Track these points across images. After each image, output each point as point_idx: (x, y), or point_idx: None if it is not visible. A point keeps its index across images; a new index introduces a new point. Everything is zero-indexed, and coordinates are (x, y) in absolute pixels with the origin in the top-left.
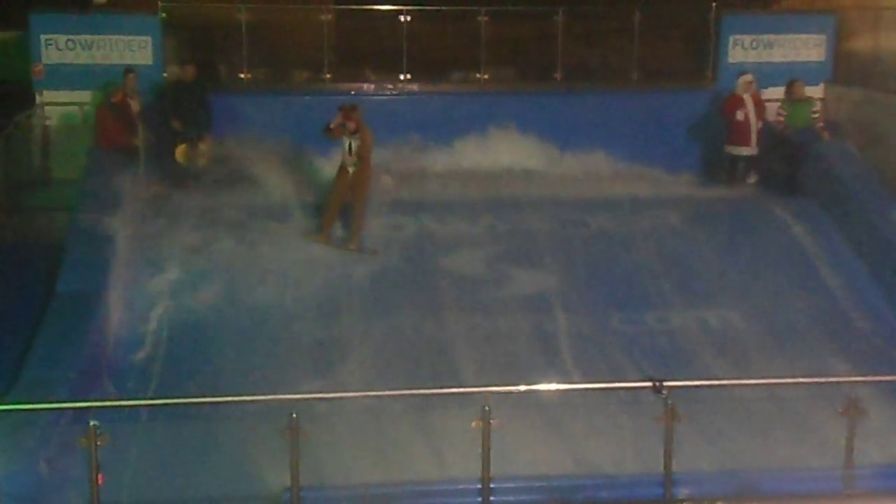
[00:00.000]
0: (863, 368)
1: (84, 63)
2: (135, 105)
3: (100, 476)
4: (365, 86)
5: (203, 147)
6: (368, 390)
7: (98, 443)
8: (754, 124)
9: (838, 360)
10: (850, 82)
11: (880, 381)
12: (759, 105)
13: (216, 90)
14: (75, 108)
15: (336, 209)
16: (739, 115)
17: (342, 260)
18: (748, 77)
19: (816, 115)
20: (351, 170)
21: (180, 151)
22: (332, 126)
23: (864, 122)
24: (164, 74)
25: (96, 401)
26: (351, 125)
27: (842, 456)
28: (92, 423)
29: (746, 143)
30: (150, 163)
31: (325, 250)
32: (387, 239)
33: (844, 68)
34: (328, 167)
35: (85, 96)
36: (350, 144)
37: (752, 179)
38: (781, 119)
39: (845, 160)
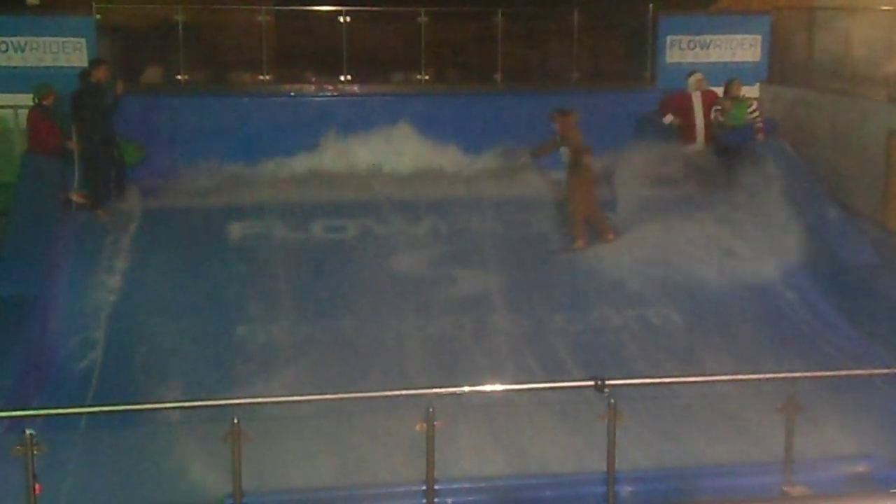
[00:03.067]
0: (801, 364)
1: (17, 65)
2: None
3: (37, 486)
4: (305, 87)
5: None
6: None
7: (35, 452)
8: (701, 123)
9: (777, 356)
10: (785, 82)
11: (816, 377)
12: (710, 102)
13: (147, 92)
14: (8, 111)
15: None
16: (667, 119)
17: None
18: (698, 75)
19: (756, 115)
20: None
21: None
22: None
23: (798, 121)
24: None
25: (32, 409)
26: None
27: (781, 451)
28: (28, 431)
29: (693, 140)
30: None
31: None
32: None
33: (779, 68)
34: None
35: (18, 99)
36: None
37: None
38: (720, 118)
39: (781, 159)
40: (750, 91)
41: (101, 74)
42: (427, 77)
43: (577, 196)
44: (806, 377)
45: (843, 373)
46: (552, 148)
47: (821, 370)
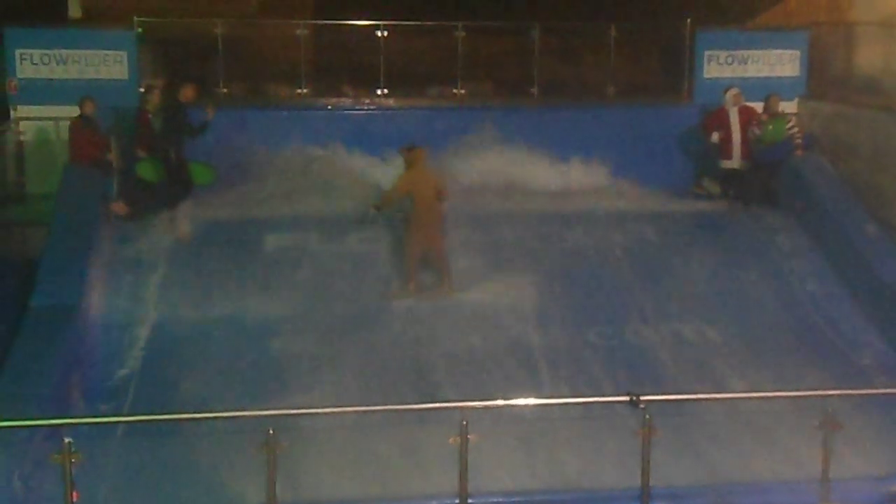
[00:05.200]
0: (837, 381)
1: (59, 78)
2: (156, 122)
3: (75, 493)
4: (342, 101)
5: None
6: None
7: (72, 460)
8: (738, 138)
9: (814, 373)
10: (823, 97)
11: (854, 395)
12: (747, 118)
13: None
14: (50, 122)
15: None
16: (714, 137)
17: None
18: (735, 91)
19: (794, 131)
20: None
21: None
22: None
23: (837, 137)
24: (141, 90)
25: (71, 417)
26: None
27: (818, 468)
28: (66, 439)
29: (729, 156)
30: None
31: None
32: None
33: (818, 83)
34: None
35: (60, 111)
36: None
37: (732, 193)
38: (757, 133)
39: (820, 174)
40: (788, 107)
41: (190, 94)
42: (463, 91)
43: (414, 237)
44: (843, 395)
45: (883, 391)
46: (397, 195)
47: (856, 387)
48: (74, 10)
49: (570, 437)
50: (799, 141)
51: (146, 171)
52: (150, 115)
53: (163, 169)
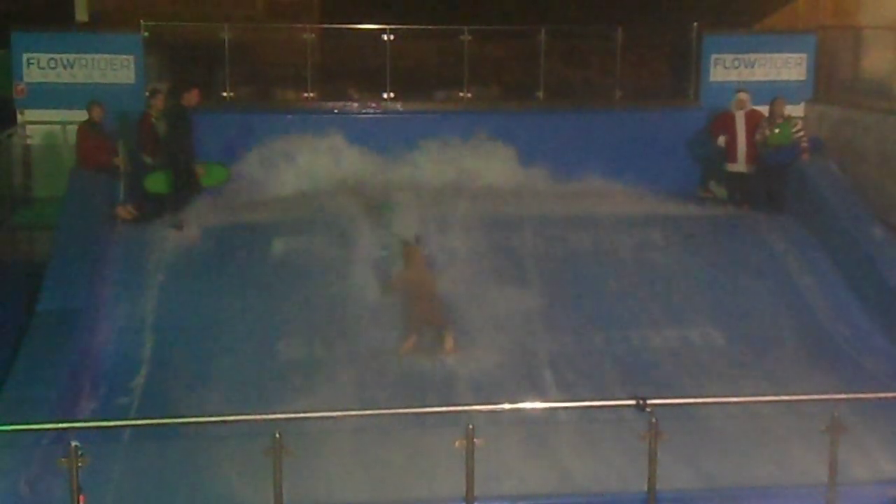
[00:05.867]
0: (844, 385)
1: (66, 82)
2: (160, 126)
3: (81, 497)
4: (348, 104)
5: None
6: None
7: (79, 463)
8: (743, 142)
9: (820, 376)
10: (830, 101)
11: (861, 399)
12: (753, 122)
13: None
14: (57, 126)
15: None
16: (720, 141)
17: None
18: (743, 95)
19: (801, 134)
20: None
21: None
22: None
23: (844, 141)
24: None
25: (78, 421)
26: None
27: (824, 473)
28: (73, 443)
29: (734, 159)
30: (131, 183)
31: None
32: None
33: (825, 87)
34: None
35: (67, 115)
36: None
37: (738, 196)
38: (766, 133)
39: (827, 178)
40: (795, 110)
41: (193, 98)
42: (469, 95)
43: (413, 316)
44: (849, 399)
45: (890, 395)
46: (395, 288)
47: (863, 391)
48: (81, 15)
49: (576, 441)
50: (805, 145)
51: (155, 184)
52: (153, 119)
53: (172, 179)
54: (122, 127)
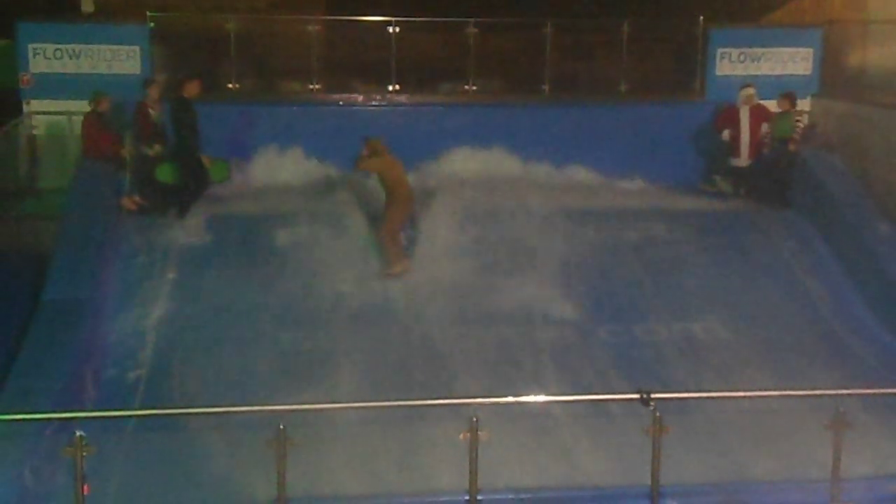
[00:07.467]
0: (848, 380)
1: (72, 72)
2: (155, 115)
3: (85, 486)
4: (353, 97)
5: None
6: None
7: (83, 453)
8: (747, 137)
9: (824, 371)
10: (836, 96)
11: (866, 395)
12: (758, 117)
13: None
14: (62, 117)
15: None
16: (725, 135)
17: None
18: (749, 90)
19: (799, 126)
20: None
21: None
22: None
23: (850, 135)
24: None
25: (82, 411)
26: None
27: (829, 468)
28: (78, 433)
29: (738, 154)
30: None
31: None
32: None
33: (831, 82)
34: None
35: (72, 106)
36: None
37: (742, 191)
38: (768, 131)
39: (832, 173)
40: (801, 105)
41: (194, 89)
42: (475, 88)
43: (395, 210)
44: (853, 394)
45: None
46: (371, 168)
47: (867, 386)
48: (87, 5)
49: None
50: (795, 136)
51: (165, 174)
52: (149, 109)
53: (181, 171)
54: (118, 117)
